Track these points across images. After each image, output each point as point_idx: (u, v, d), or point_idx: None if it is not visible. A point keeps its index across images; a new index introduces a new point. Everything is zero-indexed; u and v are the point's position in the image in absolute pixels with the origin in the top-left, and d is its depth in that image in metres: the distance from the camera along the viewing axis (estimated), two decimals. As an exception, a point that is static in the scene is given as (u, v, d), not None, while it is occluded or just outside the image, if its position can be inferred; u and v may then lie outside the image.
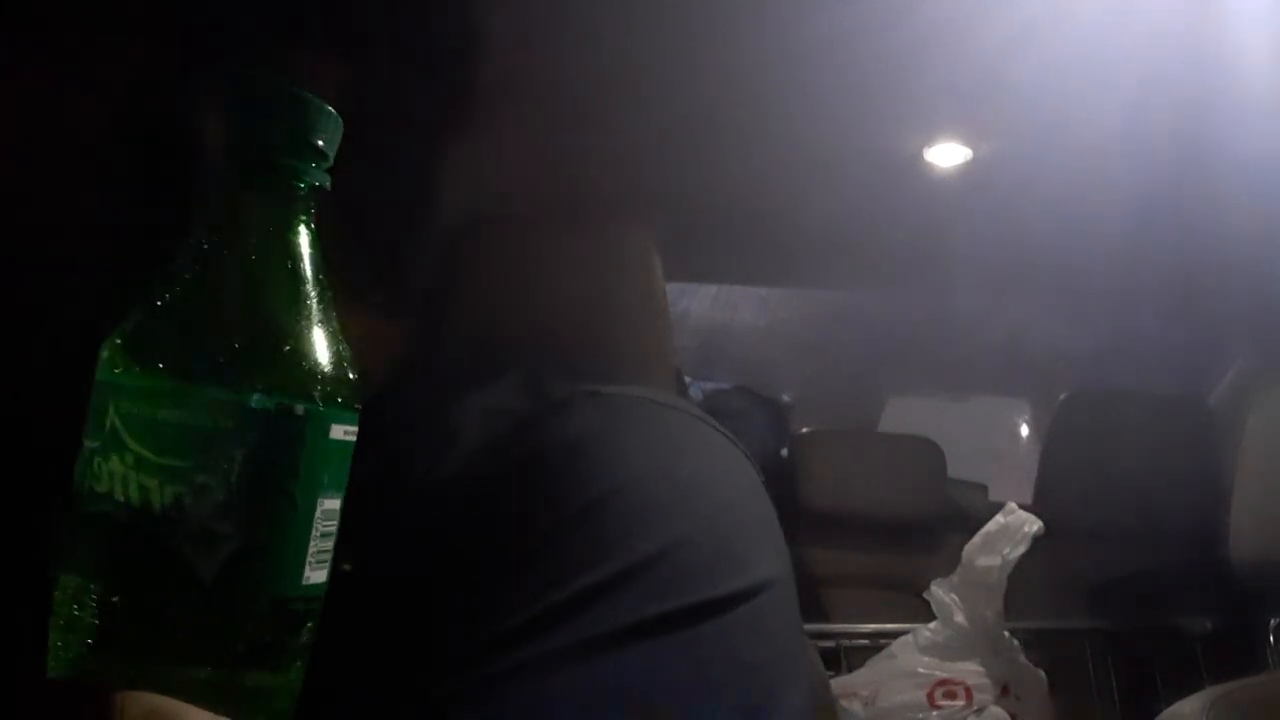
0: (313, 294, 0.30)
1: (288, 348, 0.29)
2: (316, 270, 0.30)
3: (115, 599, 0.27)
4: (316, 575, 0.29)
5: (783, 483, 2.59)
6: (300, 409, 0.28)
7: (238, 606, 0.28)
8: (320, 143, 0.31)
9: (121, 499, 0.27)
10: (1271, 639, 1.83)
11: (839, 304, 2.88)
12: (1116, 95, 1.30)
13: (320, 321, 0.30)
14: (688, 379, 2.97)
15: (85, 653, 0.27)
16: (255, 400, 0.28)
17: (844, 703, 1.78)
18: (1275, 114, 1.27)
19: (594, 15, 1.11)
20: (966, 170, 1.59)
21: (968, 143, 1.53)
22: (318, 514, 0.29)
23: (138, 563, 0.27)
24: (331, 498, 0.29)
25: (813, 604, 2.48)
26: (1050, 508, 1.99)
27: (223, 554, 0.27)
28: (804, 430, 2.78)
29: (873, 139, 1.52)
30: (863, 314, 2.92)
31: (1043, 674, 1.82)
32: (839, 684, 1.84)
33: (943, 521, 2.50)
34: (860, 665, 1.93)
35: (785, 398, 3.42)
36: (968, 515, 2.22)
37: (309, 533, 0.29)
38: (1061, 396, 2.34)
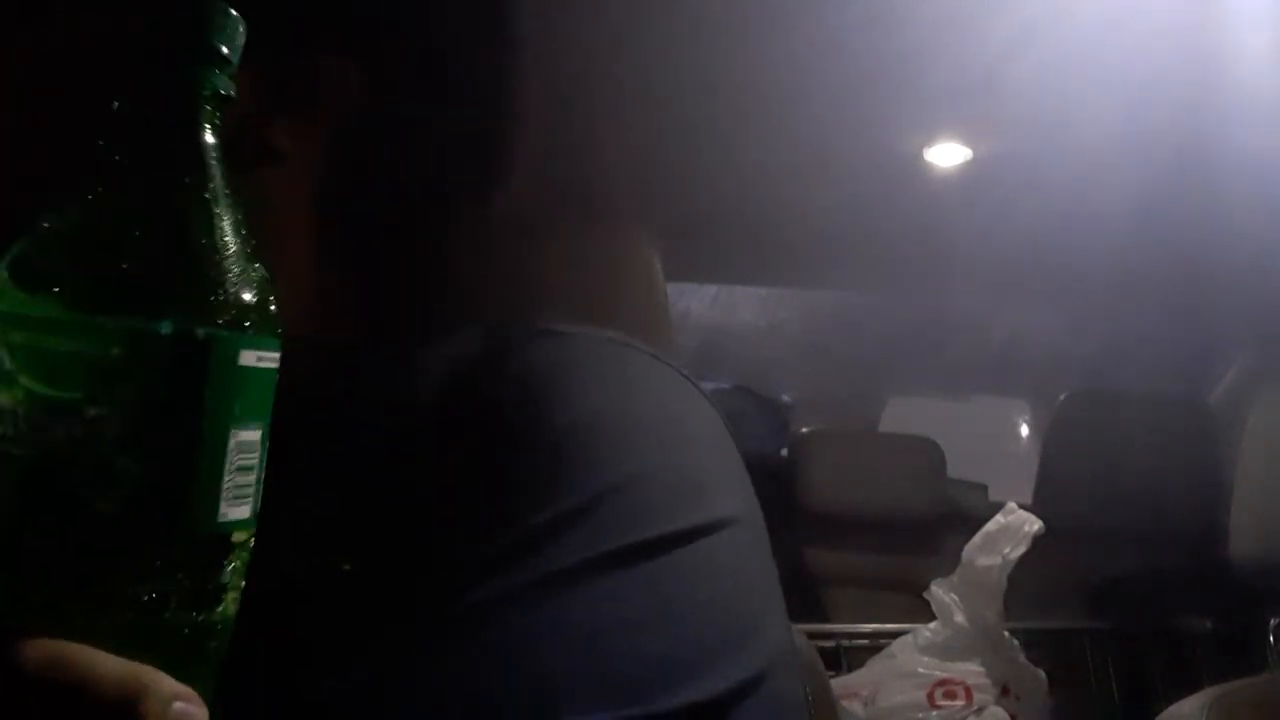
0: (217, 211, 0.28)
1: (187, 268, 0.27)
2: (221, 186, 0.28)
3: (12, 540, 0.26)
4: (236, 511, 0.27)
5: (783, 483, 2.59)
6: (201, 334, 0.26)
7: (144, 545, 0.26)
8: (223, 48, 0.29)
9: (13, 434, 0.26)
10: (1271, 639, 1.83)
11: (839, 304, 2.88)
12: (1116, 95, 1.30)
13: (226, 241, 0.28)
14: (688, 379, 2.96)
15: None
16: (149, 326, 0.26)
17: (844, 703, 1.78)
18: (1275, 114, 1.27)
19: (594, 15, 1.11)
20: (966, 170, 1.59)
21: (968, 143, 1.53)
22: (231, 446, 0.27)
23: (35, 501, 0.26)
24: (248, 429, 0.27)
25: (813, 604, 2.48)
26: (1050, 508, 1.99)
27: (124, 490, 0.26)
28: (804, 430, 2.79)
29: (873, 139, 1.52)
30: (863, 314, 2.92)
31: (1043, 674, 1.82)
32: (839, 684, 1.84)
33: (943, 521, 2.50)
34: (860, 665, 1.93)
35: (785, 398, 3.42)
36: (968, 515, 2.22)
37: (221, 466, 0.27)
38: (1061, 396, 2.34)
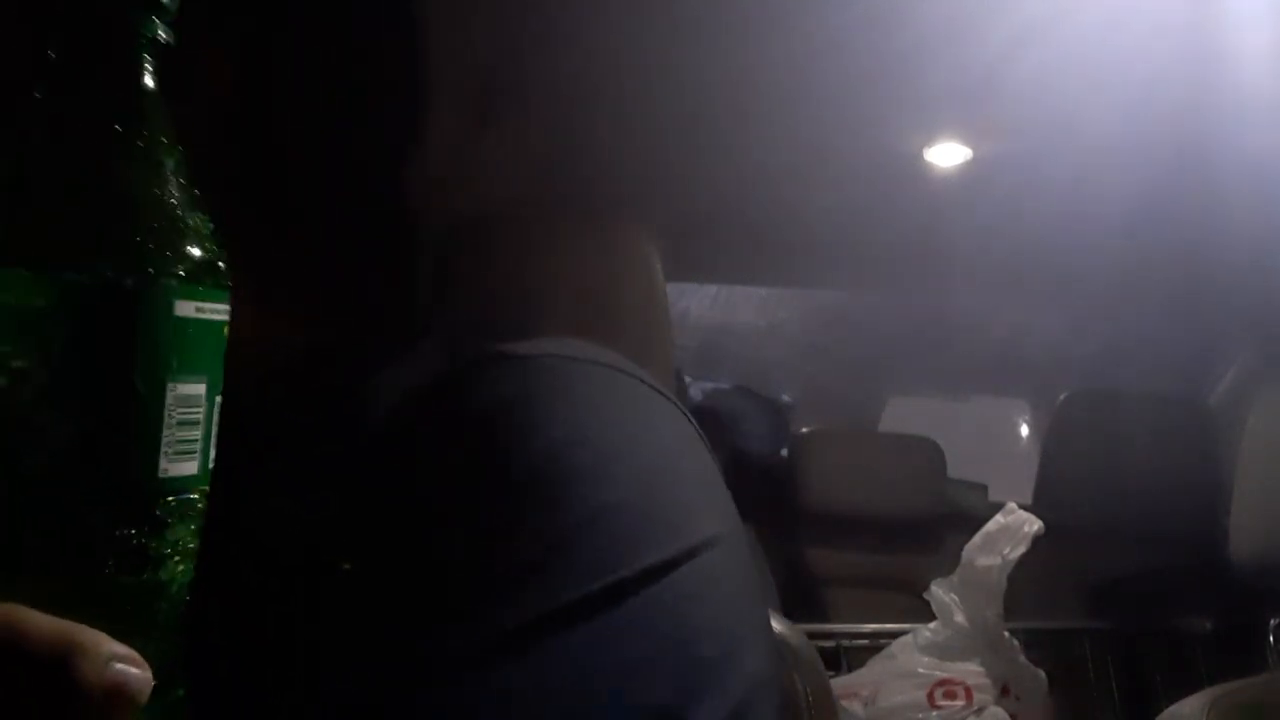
0: (152, 157, 0.27)
1: (115, 216, 0.26)
2: (156, 132, 0.27)
3: None
4: (178, 468, 0.26)
5: (783, 483, 2.60)
6: (129, 282, 0.25)
7: (75, 501, 0.25)
8: None
9: None
10: (1271, 639, 1.83)
11: (839, 304, 2.88)
12: (1116, 95, 1.30)
13: (161, 189, 0.27)
14: (688, 379, 2.97)
15: None
16: (74, 275, 0.25)
17: (844, 703, 1.78)
18: (1275, 114, 1.27)
19: (594, 15, 1.11)
20: (966, 170, 1.59)
21: (968, 143, 1.53)
22: (169, 400, 0.26)
23: None
24: (188, 382, 0.26)
25: (813, 604, 2.48)
26: (1050, 508, 1.99)
27: (51, 446, 0.25)
28: (804, 430, 2.79)
29: (873, 139, 1.52)
30: (863, 314, 2.92)
31: (1043, 674, 1.82)
32: (839, 684, 1.84)
33: (943, 521, 2.50)
34: (860, 665, 1.93)
35: (785, 398, 3.42)
36: (968, 515, 2.22)
37: (159, 420, 0.26)
38: (1061, 396, 2.34)
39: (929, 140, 1.53)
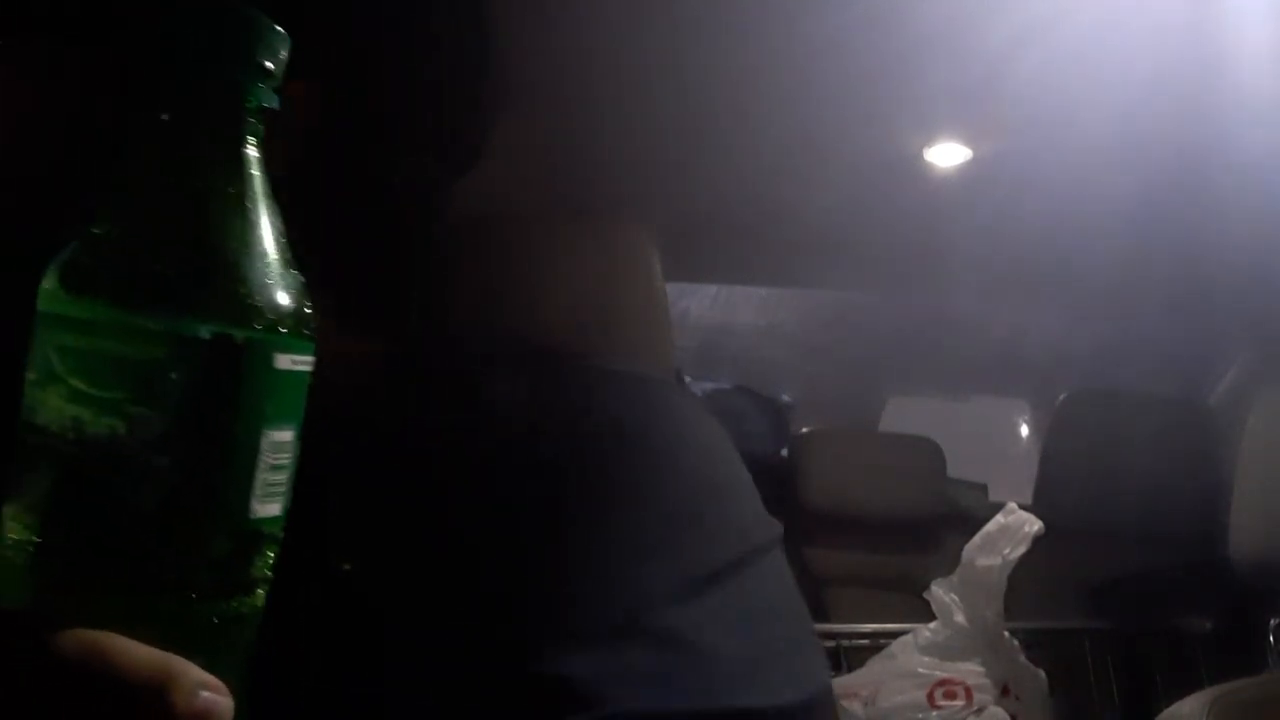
0: (257, 219, 0.29)
1: (227, 274, 0.28)
2: (263, 194, 0.29)
3: (54, 531, 0.27)
4: (266, 508, 0.28)
5: (783, 483, 2.59)
6: (239, 338, 0.27)
7: (179, 539, 0.27)
8: (266, 61, 0.30)
9: (59, 431, 0.27)
10: (1271, 639, 1.83)
11: (839, 304, 2.88)
12: (1116, 95, 1.30)
13: (265, 248, 0.29)
14: (688, 379, 2.96)
15: (23, 585, 0.27)
16: (190, 329, 0.27)
17: (844, 703, 1.78)
18: (1275, 114, 1.27)
19: (593, 14, 1.11)
20: (966, 170, 1.59)
21: (968, 143, 1.53)
22: (264, 446, 0.28)
23: (76, 495, 0.27)
24: (280, 430, 0.28)
25: (813, 604, 2.48)
26: (1050, 508, 1.99)
27: (161, 486, 0.27)
28: (804, 430, 2.78)
29: (873, 139, 1.52)
30: (863, 314, 2.91)
31: (1043, 674, 1.82)
32: (839, 684, 1.84)
33: (943, 521, 2.50)
34: (860, 665, 1.93)
35: (785, 398, 3.42)
36: (968, 515, 2.22)
37: (254, 466, 0.28)
38: (1061, 396, 2.34)
39: (929, 140, 1.53)
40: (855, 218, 1.77)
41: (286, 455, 0.29)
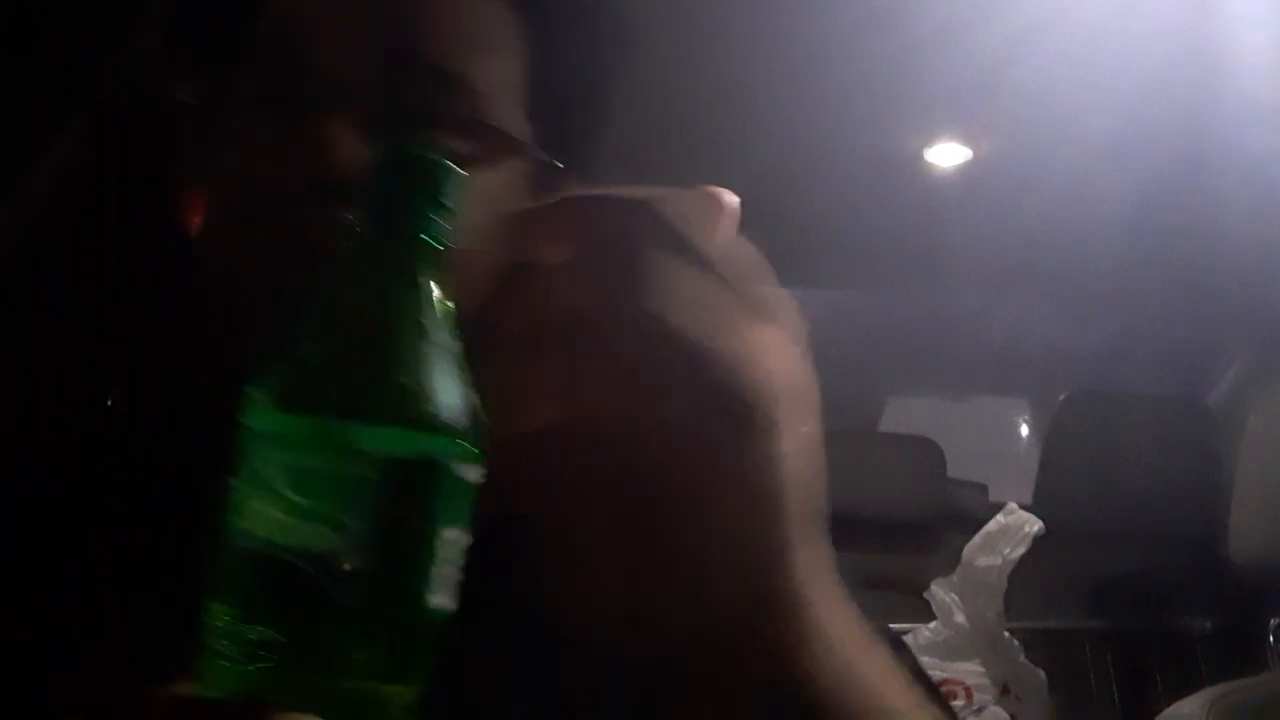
0: (444, 344, 0.32)
1: (427, 399, 0.31)
2: (447, 320, 0.32)
3: (261, 626, 0.30)
4: (439, 600, 0.32)
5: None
6: (437, 457, 0.31)
7: (372, 631, 0.31)
8: (448, 203, 0.33)
9: (265, 535, 0.30)
10: (1271, 639, 1.83)
11: (838, 304, 2.88)
12: (1116, 95, 1.30)
13: (452, 373, 0.32)
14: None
15: (232, 676, 0.30)
16: (396, 449, 0.30)
17: (844, 703, 1.78)
18: (1275, 114, 1.27)
19: (590, 16, 1.11)
20: (966, 170, 1.59)
21: (968, 143, 1.53)
22: (441, 545, 0.31)
23: (286, 593, 0.30)
24: (455, 530, 0.32)
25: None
26: (1050, 508, 1.99)
27: (360, 585, 0.30)
28: (804, 430, 2.78)
29: (873, 139, 1.53)
30: (862, 314, 2.91)
31: (1043, 674, 1.82)
32: (839, 684, 1.84)
33: (943, 521, 2.50)
34: (860, 665, 1.93)
35: (785, 398, 3.41)
36: (968, 515, 2.22)
37: (433, 562, 0.31)
38: (1061, 397, 2.34)
39: (929, 140, 1.53)
40: (855, 218, 1.77)
41: (456, 550, 0.32)
